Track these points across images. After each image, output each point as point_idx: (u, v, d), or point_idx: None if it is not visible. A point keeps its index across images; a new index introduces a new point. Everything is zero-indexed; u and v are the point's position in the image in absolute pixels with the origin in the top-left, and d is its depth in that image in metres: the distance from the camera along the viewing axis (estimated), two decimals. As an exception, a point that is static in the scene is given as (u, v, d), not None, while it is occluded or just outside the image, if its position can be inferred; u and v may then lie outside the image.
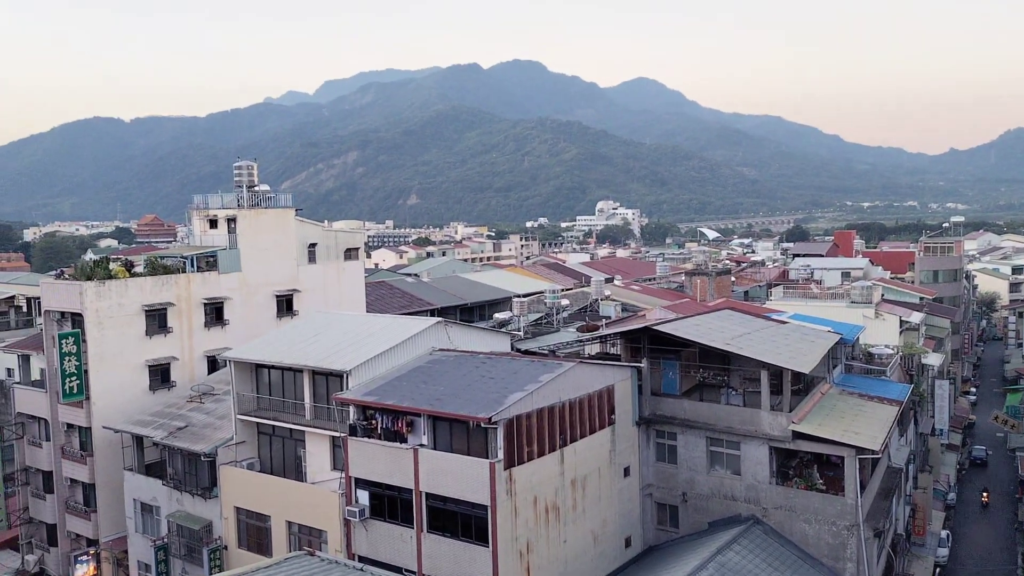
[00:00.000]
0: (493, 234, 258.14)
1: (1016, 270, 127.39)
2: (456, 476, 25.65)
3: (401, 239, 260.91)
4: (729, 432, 31.03)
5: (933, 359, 55.75)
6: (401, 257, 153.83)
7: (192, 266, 42.23)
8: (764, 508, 30.30)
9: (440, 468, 26.02)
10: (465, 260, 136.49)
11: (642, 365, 32.57)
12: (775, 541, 29.19)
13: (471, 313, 58.28)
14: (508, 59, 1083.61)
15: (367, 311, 48.85)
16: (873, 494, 31.57)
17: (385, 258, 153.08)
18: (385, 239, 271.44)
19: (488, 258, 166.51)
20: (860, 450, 28.56)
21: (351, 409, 28.45)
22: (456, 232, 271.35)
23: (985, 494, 57.76)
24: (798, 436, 29.60)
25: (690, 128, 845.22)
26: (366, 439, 27.79)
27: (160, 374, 40.16)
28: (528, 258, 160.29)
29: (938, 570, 44.68)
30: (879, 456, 29.87)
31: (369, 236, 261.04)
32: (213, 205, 45.14)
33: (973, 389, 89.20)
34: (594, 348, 40.93)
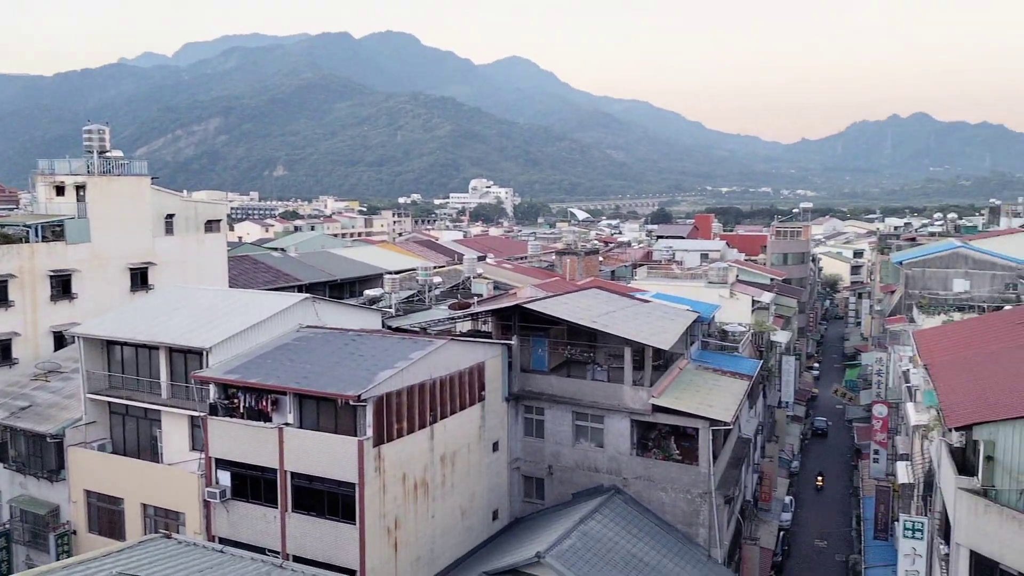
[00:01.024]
0: (365, 209, 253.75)
1: (857, 254, 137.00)
2: (323, 455, 25.31)
3: (267, 212, 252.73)
4: (594, 406, 32.04)
5: (781, 336, 59.18)
6: (267, 231, 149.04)
7: (36, 235, 39.49)
8: (625, 478, 31.55)
9: (307, 447, 25.60)
10: (335, 235, 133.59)
11: (512, 342, 33.06)
12: (634, 510, 30.46)
13: (341, 290, 57.26)
14: (380, 30, 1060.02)
15: (230, 286, 47.12)
16: (724, 463, 33.43)
17: (250, 231, 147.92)
18: (250, 211, 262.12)
19: (359, 234, 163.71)
20: (713, 422, 30.17)
21: (211, 388, 27.48)
22: (326, 206, 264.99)
23: (820, 478, 59.74)
24: (657, 409, 30.95)
25: (562, 109, 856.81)
26: (227, 419, 26.95)
27: (0, 351, 37.44)
28: (400, 235, 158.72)
29: (782, 533, 47.85)
30: (731, 427, 31.65)
31: (232, 208, 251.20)
32: (60, 171, 42.26)
33: (816, 364, 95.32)
34: (466, 325, 41.15)
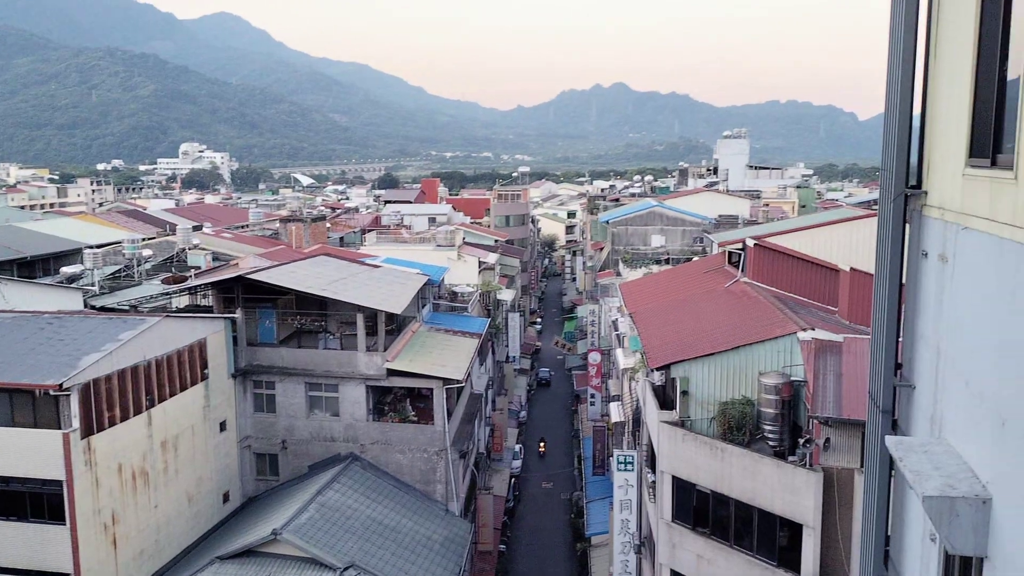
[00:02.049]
0: (56, 177, 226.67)
1: (571, 215, 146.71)
2: (21, 453, 22.57)
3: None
4: (328, 376, 31.60)
5: (506, 295, 61.96)
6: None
7: None
8: (362, 445, 31.58)
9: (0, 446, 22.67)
10: (22, 207, 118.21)
11: (236, 316, 31.51)
12: (373, 474, 30.64)
13: (32, 268, 50.82)
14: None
15: None
16: (458, 420, 34.62)
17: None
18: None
19: (52, 205, 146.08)
20: (447, 381, 31.06)
21: None
22: (8, 175, 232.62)
23: (542, 444, 59.83)
24: (392, 373, 31.22)
25: (278, 70, 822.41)
26: None
27: None
28: (101, 204, 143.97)
29: (513, 480, 50.71)
30: (463, 385, 32.77)
31: None
32: None
33: (539, 319, 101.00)
34: (183, 301, 38.47)
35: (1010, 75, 6.95)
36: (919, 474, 7.44)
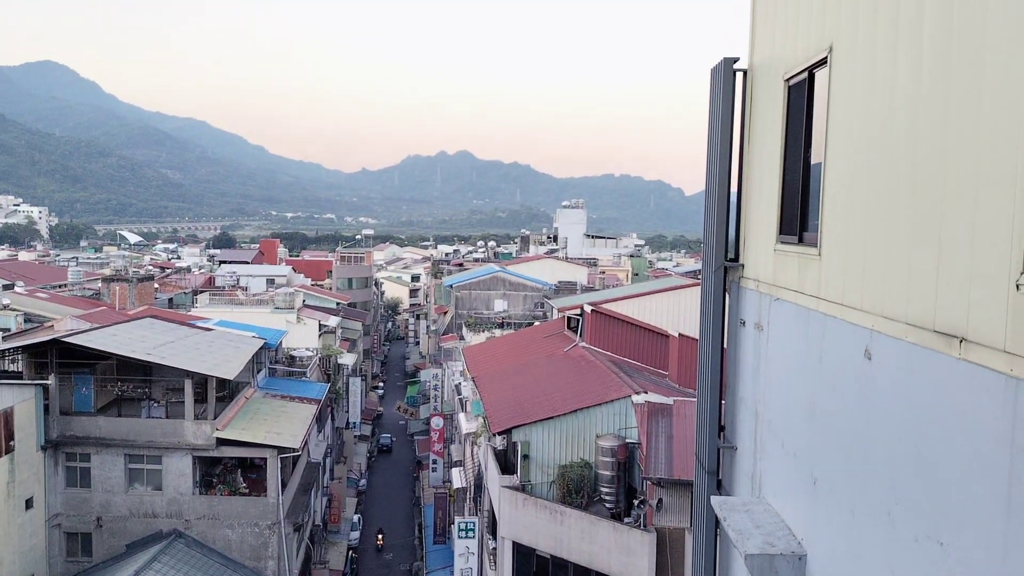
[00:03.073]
0: None
1: (415, 278, 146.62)
2: None
3: None
4: (151, 446, 29.56)
5: (348, 359, 60.70)
6: None
7: None
8: (187, 520, 29.58)
9: None
10: None
11: (49, 382, 29.03)
12: (198, 552, 28.68)
13: None
14: None
15: None
16: (294, 491, 33.18)
17: None
18: None
19: None
20: (282, 450, 29.80)
21: None
22: None
23: (380, 536, 54.12)
24: (223, 443, 29.63)
25: (107, 123, 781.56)
26: None
27: None
28: None
29: (351, 552, 48.87)
30: (299, 454, 31.55)
31: None
32: None
33: (381, 384, 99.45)
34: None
35: (813, 161, 7.68)
36: (741, 533, 7.81)
